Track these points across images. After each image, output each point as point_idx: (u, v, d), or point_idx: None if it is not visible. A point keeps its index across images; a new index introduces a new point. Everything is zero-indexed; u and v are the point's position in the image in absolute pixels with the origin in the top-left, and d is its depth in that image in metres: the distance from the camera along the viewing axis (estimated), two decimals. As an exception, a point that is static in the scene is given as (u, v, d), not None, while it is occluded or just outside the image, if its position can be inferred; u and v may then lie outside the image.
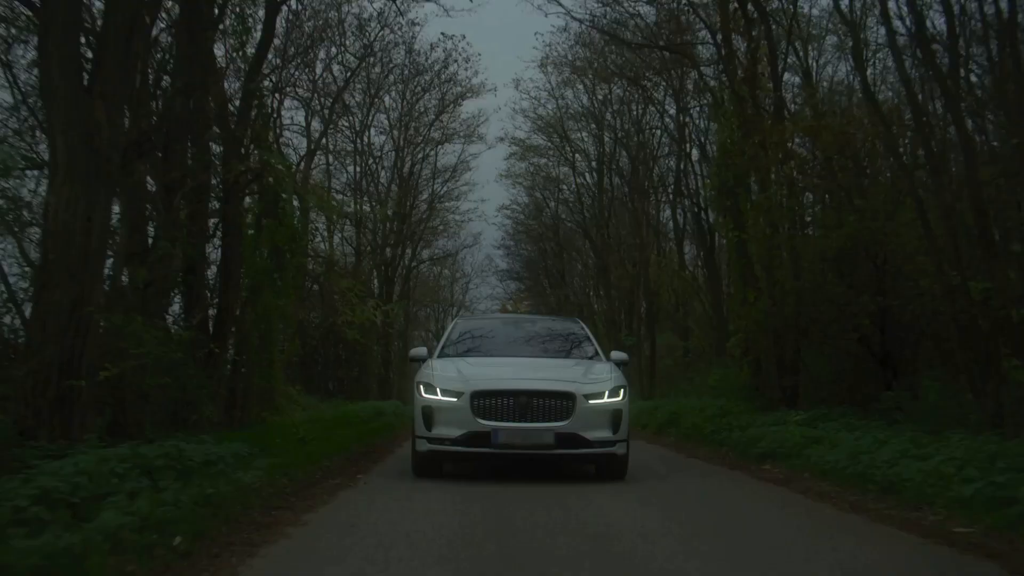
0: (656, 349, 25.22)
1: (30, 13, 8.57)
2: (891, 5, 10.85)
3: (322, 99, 25.77)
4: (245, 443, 8.36)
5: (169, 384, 8.19)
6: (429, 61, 28.92)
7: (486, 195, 54.60)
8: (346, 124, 29.48)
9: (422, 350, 9.92)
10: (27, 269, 9.35)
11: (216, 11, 11.67)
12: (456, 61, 29.05)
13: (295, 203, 14.86)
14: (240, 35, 12.80)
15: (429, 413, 8.47)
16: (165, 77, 10.51)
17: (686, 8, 16.72)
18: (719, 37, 15.38)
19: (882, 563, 4.71)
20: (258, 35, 13.21)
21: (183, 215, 10.13)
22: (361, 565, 4.38)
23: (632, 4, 17.77)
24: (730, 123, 14.65)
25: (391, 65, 28.35)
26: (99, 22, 8.53)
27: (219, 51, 13.35)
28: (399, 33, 25.31)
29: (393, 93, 30.67)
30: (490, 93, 44.99)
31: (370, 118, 30.80)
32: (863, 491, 7.01)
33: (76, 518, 4.47)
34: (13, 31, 9.39)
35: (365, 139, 31.13)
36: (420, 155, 33.60)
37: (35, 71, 10.33)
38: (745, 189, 13.99)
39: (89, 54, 8.42)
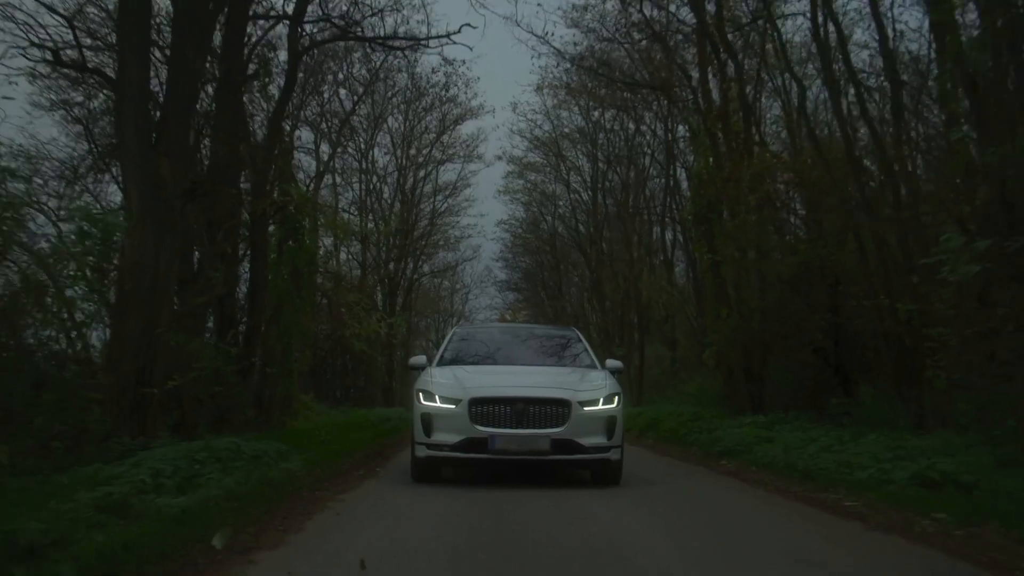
0: (645, 359, 26.81)
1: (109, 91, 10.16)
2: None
3: (329, 121, 27.36)
4: (278, 442, 9.91)
5: (219, 392, 9.77)
6: (430, 84, 30.55)
7: (485, 210, 56.12)
8: (352, 145, 31.08)
9: (421, 358, 10.22)
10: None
11: (247, 64, 13.32)
12: (456, 84, 30.74)
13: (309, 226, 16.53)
14: (265, 83, 14.43)
15: (428, 420, 8.69)
16: (206, 128, 12.11)
17: (664, 48, 18.30)
18: (695, 77, 16.99)
19: (780, 523, 6.28)
20: (282, 80, 14.88)
21: (224, 247, 11.70)
22: (391, 524, 5.97)
23: (617, 43, 19.40)
24: (705, 155, 16.28)
25: (395, 88, 29.90)
26: (162, 90, 10.12)
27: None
28: (402, 59, 26.86)
29: (396, 114, 32.23)
30: (489, 115, 46.51)
31: (374, 138, 32.46)
32: (789, 478, 8.59)
33: (180, 491, 6.05)
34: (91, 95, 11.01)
35: (369, 158, 32.81)
36: (422, 173, 35.25)
37: (99, 122, 12.00)
38: (717, 215, 15.56)
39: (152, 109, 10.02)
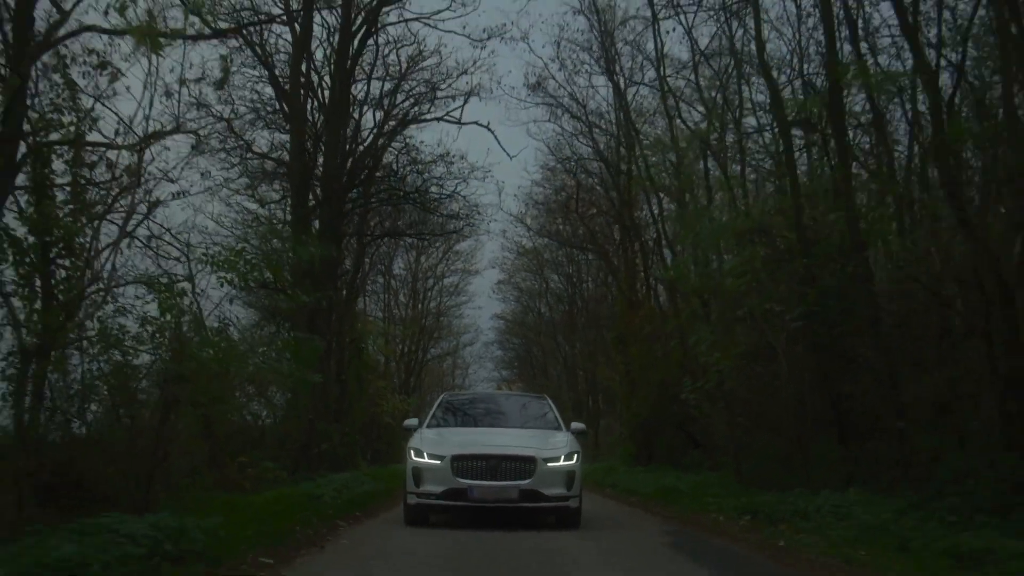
0: (600, 429, 35.81)
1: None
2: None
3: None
4: (366, 477, 18.78)
5: (343, 452, 18.80)
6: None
7: (482, 303, 65.07)
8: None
9: (414, 421, 11.72)
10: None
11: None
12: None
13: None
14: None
15: (418, 473, 10.10)
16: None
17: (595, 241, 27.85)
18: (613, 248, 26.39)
19: (618, 511, 15.04)
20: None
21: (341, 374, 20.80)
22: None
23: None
24: (620, 302, 25.55)
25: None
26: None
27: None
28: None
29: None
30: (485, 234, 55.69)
31: (395, 254, 41.70)
32: (636, 495, 17.40)
33: (341, 491, 14.94)
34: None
35: (391, 271, 42.05)
36: (431, 280, 44.46)
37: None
38: (625, 344, 24.73)
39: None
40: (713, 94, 18.47)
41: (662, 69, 19.44)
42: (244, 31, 17.41)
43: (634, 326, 23.55)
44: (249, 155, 20.26)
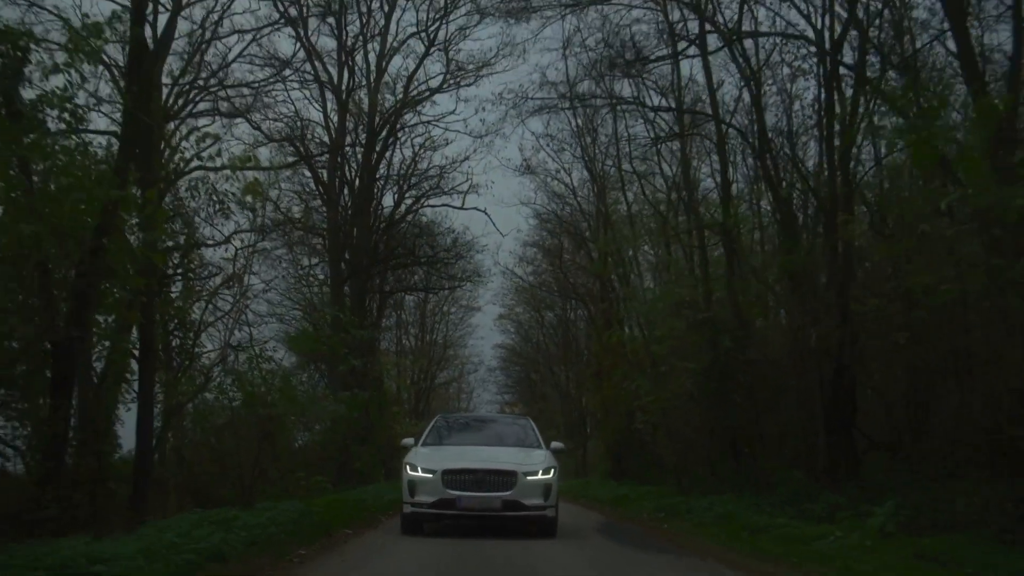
0: (587, 449, 40.71)
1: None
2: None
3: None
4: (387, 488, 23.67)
5: (368, 469, 23.75)
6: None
7: (484, 333, 69.52)
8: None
9: (410, 440, 12.85)
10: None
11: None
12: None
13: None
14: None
15: (412, 485, 11.18)
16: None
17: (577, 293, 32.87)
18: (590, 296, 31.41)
19: (578, 512, 19.92)
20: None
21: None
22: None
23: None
24: (597, 343, 30.51)
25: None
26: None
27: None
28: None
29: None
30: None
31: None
32: (599, 501, 22.33)
33: (375, 497, 19.88)
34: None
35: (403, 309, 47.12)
36: (437, 317, 49.50)
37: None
38: (599, 378, 29.67)
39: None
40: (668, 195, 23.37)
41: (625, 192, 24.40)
42: (297, 146, 22.60)
43: (607, 365, 28.49)
44: (297, 231, 25.29)
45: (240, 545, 7.82)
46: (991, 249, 7.68)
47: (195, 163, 14.99)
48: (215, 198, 15.75)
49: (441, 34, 24.60)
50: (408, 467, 11.51)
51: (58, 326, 9.04)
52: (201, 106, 17.90)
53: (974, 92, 8.84)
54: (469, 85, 25.23)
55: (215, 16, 16.71)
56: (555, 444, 13.01)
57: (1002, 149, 8.08)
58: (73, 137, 10.43)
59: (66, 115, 9.96)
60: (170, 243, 14.85)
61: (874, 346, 13.28)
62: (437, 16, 24.42)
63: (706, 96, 17.32)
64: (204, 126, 17.87)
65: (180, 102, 16.48)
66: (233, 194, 15.38)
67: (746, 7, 14.77)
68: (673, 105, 18.74)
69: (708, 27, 15.60)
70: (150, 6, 12.43)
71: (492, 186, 55.15)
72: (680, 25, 16.62)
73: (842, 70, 13.47)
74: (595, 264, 26.51)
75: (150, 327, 11.82)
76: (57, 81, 9.97)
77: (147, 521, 9.93)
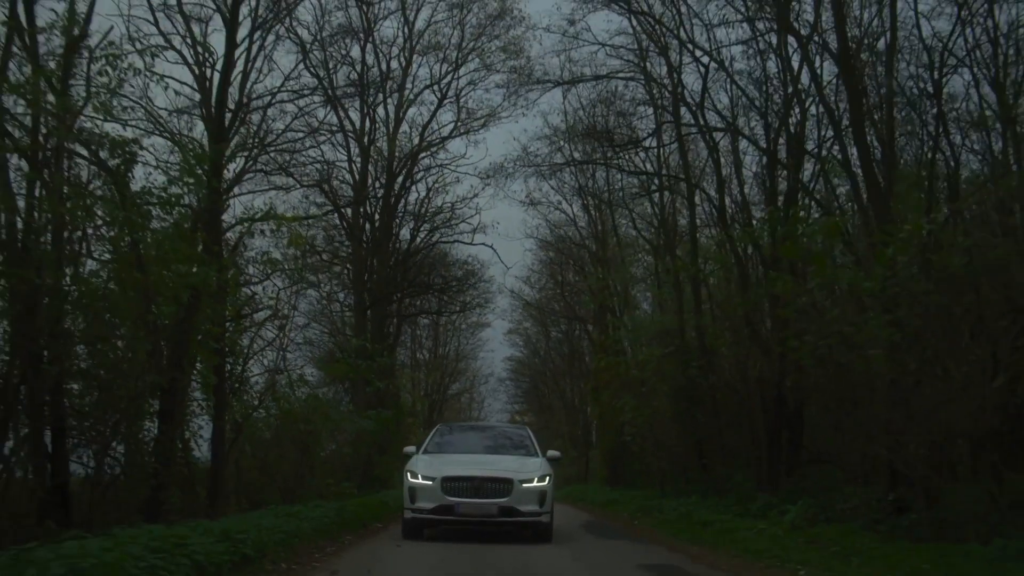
0: (590, 458, 43.63)
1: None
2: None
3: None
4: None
5: (386, 476, 26.73)
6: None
7: (494, 346, 72.30)
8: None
9: (411, 448, 13.39)
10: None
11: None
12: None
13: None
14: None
15: (413, 492, 11.69)
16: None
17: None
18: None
19: (571, 512, 22.84)
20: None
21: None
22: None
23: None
24: (597, 361, 33.45)
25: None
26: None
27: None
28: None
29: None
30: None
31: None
32: (591, 504, 25.26)
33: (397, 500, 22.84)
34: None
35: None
36: (449, 333, 52.54)
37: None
38: (598, 393, 32.61)
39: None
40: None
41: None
42: (325, 189, 25.70)
43: (603, 382, 31.40)
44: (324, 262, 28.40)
45: (309, 529, 10.84)
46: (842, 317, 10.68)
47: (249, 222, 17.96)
48: (264, 255, 18.64)
49: (452, 87, 27.74)
50: (409, 474, 12.04)
51: (163, 367, 12.06)
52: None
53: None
54: (478, 130, 28.26)
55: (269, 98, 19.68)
56: (551, 452, 13.49)
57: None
58: (167, 217, 13.41)
59: (163, 204, 12.97)
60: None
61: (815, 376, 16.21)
62: (449, 70, 27.53)
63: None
64: (247, 178, 20.95)
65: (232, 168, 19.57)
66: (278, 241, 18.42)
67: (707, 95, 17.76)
68: (652, 169, 21.87)
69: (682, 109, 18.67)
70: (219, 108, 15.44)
71: (498, 225, 60.14)
72: (658, 98, 19.78)
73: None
74: (588, 297, 29.49)
75: (222, 363, 14.81)
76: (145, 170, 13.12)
77: (225, 516, 12.90)
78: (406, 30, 26.87)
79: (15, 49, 11.15)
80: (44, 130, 11.17)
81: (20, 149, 10.52)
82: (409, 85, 27.57)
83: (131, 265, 11.91)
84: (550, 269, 37.57)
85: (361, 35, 25.87)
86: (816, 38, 14.46)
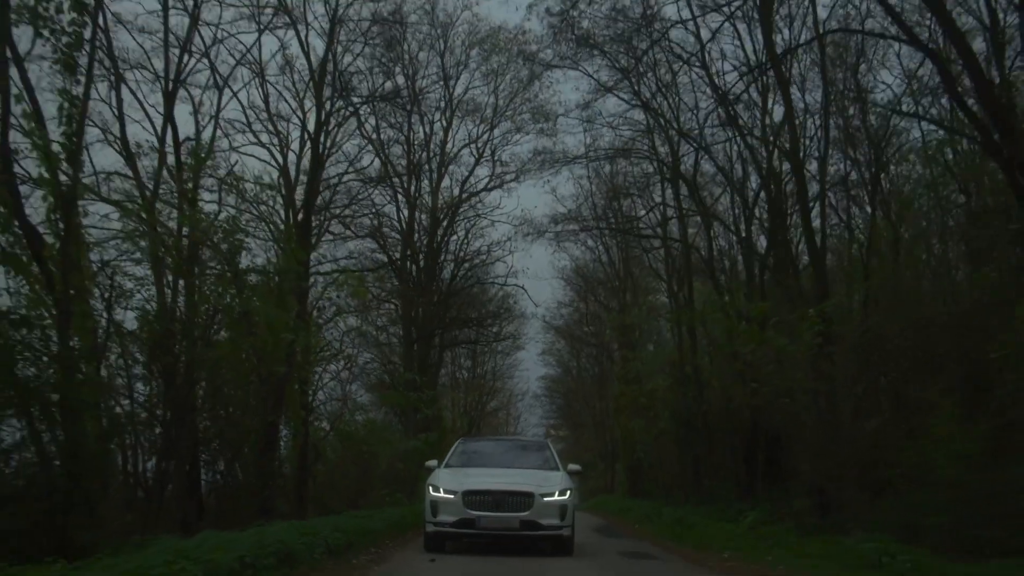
0: (615, 471, 47.29)
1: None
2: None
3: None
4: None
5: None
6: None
7: (529, 366, 75.56)
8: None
9: (433, 462, 13.60)
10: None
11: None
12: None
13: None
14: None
15: (435, 505, 11.78)
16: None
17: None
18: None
19: (589, 519, 26.55)
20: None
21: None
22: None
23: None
24: (619, 387, 37.17)
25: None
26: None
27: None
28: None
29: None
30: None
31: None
32: (610, 512, 28.95)
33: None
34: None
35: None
36: (487, 355, 56.40)
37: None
38: (621, 413, 36.33)
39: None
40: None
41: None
42: (376, 237, 29.86)
43: (623, 405, 35.14)
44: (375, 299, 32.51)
45: (383, 526, 14.73)
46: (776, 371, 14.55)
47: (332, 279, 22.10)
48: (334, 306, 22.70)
49: (488, 145, 31.89)
50: (431, 488, 12.12)
51: (268, 409, 16.14)
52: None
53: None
54: (511, 182, 32.31)
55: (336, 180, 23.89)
56: (572, 466, 13.59)
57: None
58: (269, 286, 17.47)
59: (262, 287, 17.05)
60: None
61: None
62: (484, 130, 31.67)
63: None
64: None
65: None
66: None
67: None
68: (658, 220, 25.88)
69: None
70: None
71: (528, 270, 64.60)
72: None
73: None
74: (609, 332, 33.38)
75: (307, 404, 18.91)
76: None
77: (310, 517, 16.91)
78: (447, 95, 31.12)
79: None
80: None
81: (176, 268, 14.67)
82: (450, 143, 31.75)
83: (244, 332, 16.00)
84: (577, 298, 41.57)
85: (409, 105, 30.04)
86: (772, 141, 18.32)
